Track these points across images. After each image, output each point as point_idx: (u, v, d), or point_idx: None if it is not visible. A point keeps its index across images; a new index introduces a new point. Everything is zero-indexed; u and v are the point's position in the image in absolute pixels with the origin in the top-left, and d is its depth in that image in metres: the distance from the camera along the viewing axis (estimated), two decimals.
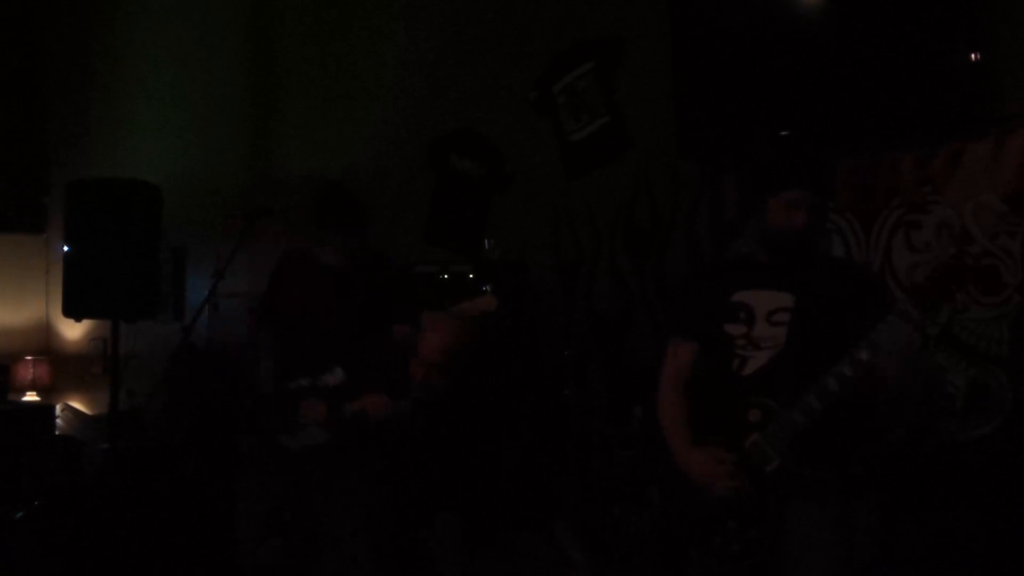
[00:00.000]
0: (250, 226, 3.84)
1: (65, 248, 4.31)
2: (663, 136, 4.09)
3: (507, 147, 4.81)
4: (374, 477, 3.03)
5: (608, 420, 3.96)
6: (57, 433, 6.24)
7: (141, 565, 4.36)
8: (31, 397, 6.57)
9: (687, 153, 4.05)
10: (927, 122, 3.38)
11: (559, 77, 4.58)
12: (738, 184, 3.99)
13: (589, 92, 4.48)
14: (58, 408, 6.45)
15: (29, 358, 6.68)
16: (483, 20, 4.88)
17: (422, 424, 3.09)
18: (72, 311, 4.27)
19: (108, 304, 4.20)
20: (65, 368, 6.79)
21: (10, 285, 6.93)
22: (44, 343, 6.99)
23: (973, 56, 3.27)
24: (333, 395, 3.22)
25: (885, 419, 3.02)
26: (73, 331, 6.81)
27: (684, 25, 4.01)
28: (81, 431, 6.19)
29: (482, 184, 4.88)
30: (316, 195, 3.65)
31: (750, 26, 3.76)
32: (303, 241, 3.79)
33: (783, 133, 3.63)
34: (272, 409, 3.53)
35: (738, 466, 2.37)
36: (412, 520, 3.03)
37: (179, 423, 5.09)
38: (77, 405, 6.58)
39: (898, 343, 2.21)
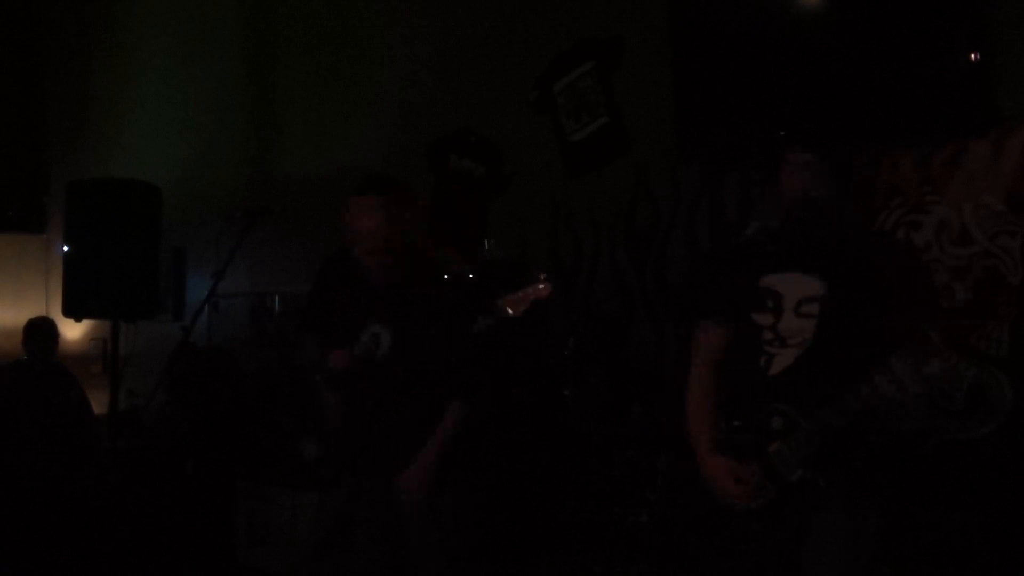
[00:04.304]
0: (250, 226, 3.84)
1: (65, 248, 4.31)
2: (663, 136, 4.09)
3: (507, 147, 4.81)
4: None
5: (608, 420, 3.95)
6: None
7: (141, 565, 4.36)
8: None
9: (687, 153, 4.05)
10: (927, 122, 3.38)
11: (559, 77, 4.58)
12: (738, 184, 3.99)
13: (589, 92, 4.48)
14: None
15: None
16: (484, 20, 4.88)
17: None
18: (72, 311, 4.27)
19: (108, 304, 4.20)
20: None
21: (10, 285, 6.92)
22: None
23: (973, 56, 3.27)
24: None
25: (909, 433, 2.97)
26: (73, 331, 6.81)
27: (684, 25, 4.02)
28: None
29: (482, 184, 4.88)
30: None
31: (750, 26, 3.76)
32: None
33: (783, 133, 3.63)
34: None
35: (761, 480, 2.30)
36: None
37: (179, 423, 5.09)
38: None
39: (916, 375, 2.15)
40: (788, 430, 2.30)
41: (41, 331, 5.30)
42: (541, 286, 2.89)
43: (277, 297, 5.60)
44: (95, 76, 6.97)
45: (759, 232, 2.61)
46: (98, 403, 6.34)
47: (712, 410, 2.45)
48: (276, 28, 5.96)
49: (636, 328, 4.30)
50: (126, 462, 4.84)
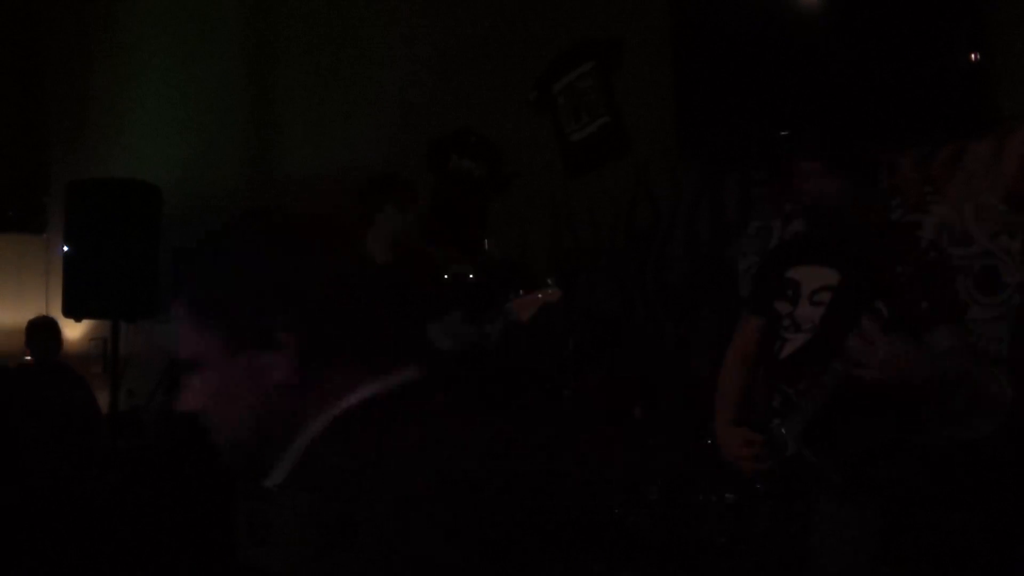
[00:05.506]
0: None
1: (65, 248, 4.31)
2: (663, 136, 4.09)
3: (507, 147, 4.81)
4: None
5: (608, 420, 3.95)
6: None
7: (141, 565, 4.36)
8: None
9: (687, 153, 4.05)
10: (927, 122, 3.38)
11: (559, 77, 4.58)
12: (738, 184, 4.00)
13: (589, 92, 4.48)
14: None
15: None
16: (484, 20, 4.88)
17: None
18: (72, 311, 4.28)
19: (108, 304, 4.21)
20: None
21: (10, 285, 6.92)
22: None
23: (973, 56, 3.27)
24: None
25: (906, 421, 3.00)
26: (73, 331, 6.80)
27: (684, 25, 4.02)
28: None
29: (482, 184, 4.88)
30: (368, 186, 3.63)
31: (750, 26, 3.76)
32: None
33: (783, 133, 3.63)
34: None
35: (765, 449, 2.44)
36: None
37: (179, 423, 5.09)
38: None
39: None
40: (787, 409, 2.43)
41: (43, 330, 5.30)
42: (550, 291, 2.91)
43: None
44: (95, 76, 6.97)
45: (792, 233, 2.75)
46: (98, 403, 6.36)
47: (736, 389, 2.63)
48: (276, 28, 5.96)
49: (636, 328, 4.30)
50: (126, 462, 4.84)
